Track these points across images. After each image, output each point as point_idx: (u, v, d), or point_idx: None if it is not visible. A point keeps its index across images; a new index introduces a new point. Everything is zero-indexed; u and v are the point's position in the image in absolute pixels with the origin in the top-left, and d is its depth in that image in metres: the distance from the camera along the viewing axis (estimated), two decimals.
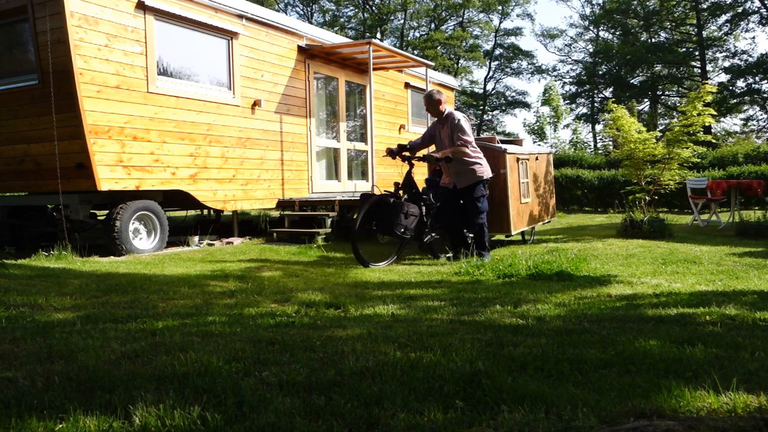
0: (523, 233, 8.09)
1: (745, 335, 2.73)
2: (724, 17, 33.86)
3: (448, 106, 6.42)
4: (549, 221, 8.85)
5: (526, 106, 42.05)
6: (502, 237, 7.90)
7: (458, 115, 6.26)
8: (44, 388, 1.90)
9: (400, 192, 6.11)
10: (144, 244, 6.85)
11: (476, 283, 4.84)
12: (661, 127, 30.70)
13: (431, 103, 6.39)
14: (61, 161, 6.21)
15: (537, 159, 8.12)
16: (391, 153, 6.30)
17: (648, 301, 3.83)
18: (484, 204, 6.33)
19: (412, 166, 6.21)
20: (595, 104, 39.12)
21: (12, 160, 6.74)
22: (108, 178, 6.37)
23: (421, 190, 6.39)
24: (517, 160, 7.33)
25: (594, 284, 4.68)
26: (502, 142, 7.71)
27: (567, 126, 34.64)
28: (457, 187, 6.30)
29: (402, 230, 5.88)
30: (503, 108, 42.92)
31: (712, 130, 30.35)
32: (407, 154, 6.30)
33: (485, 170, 6.32)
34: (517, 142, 8.20)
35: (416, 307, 3.65)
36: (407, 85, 11.86)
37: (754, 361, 2.29)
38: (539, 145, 29.81)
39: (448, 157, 6.07)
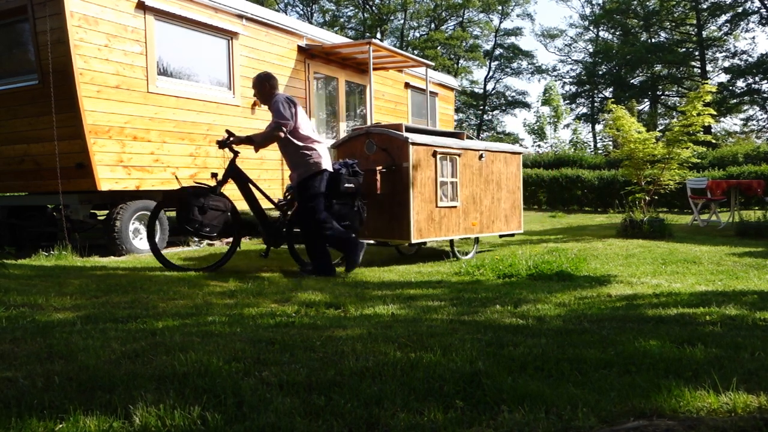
0: (452, 245, 6.67)
1: (745, 335, 2.73)
2: (723, 17, 33.89)
3: (279, 92, 5.32)
4: (511, 234, 7.38)
5: (526, 106, 42.07)
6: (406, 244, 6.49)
7: (280, 96, 5.16)
8: (44, 388, 1.90)
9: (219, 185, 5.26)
10: (144, 244, 6.84)
11: (476, 283, 4.84)
12: (660, 127, 30.71)
13: (258, 85, 5.29)
14: (61, 161, 6.21)
15: (482, 157, 6.68)
16: (219, 143, 5.29)
17: (648, 301, 3.83)
18: (319, 204, 5.16)
19: (236, 154, 5.33)
20: (595, 104, 39.13)
21: (12, 160, 6.74)
22: (108, 178, 6.37)
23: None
24: (434, 153, 6.04)
25: (594, 284, 4.68)
26: (434, 132, 6.48)
27: (567, 126, 34.65)
28: (292, 185, 5.33)
29: (196, 226, 5.03)
30: (503, 108, 42.95)
31: (712, 130, 30.36)
32: (230, 140, 5.27)
33: (318, 162, 5.17)
34: (459, 135, 6.80)
35: (416, 307, 3.65)
36: (407, 85, 11.86)
37: (754, 361, 2.29)
38: (538, 145, 29.75)
39: (249, 137, 5.20)
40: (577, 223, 12.16)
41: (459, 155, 6.38)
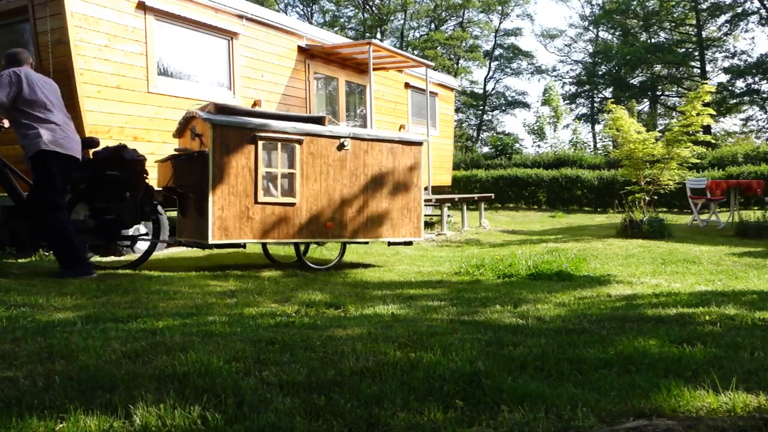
0: (297, 249, 5.81)
1: (744, 335, 2.74)
2: (723, 17, 33.88)
3: (18, 68, 4.50)
4: (407, 242, 5.98)
5: (526, 106, 42.03)
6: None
7: (5, 72, 4.43)
8: (45, 388, 1.90)
9: None
10: (144, 245, 6.83)
11: (476, 283, 4.84)
12: (660, 128, 30.70)
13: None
14: None
15: (344, 146, 5.49)
16: None
17: (648, 301, 3.83)
18: (47, 193, 4.47)
19: None
20: (595, 104, 39.12)
21: (12, 160, 6.74)
22: None
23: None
24: (254, 138, 5.05)
25: (594, 284, 4.69)
26: (266, 115, 5.45)
27: (567, 126, 34.64)
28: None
29: None
30: (503, 108, 42.89)
31: (712, 131, 30.36)
32: None
33: (36, 141, 4.41)
34: (320, 120, 5.64)
35: (416, 307, 3.66)
36: (407, 85, 11.87)
37: (754, 361, 2.30)
38: (538, 145, 29.70)
39: None
40: (576, 223, 12.17)
41: (299, 142, 5.28)
